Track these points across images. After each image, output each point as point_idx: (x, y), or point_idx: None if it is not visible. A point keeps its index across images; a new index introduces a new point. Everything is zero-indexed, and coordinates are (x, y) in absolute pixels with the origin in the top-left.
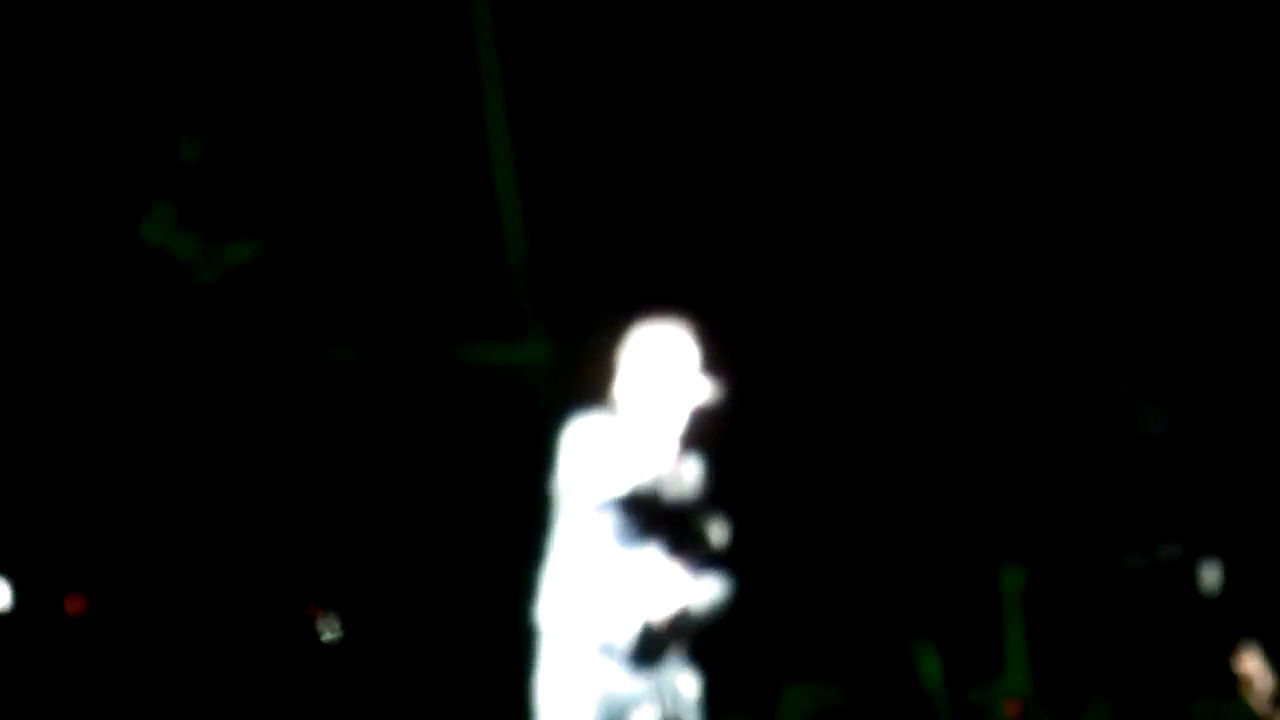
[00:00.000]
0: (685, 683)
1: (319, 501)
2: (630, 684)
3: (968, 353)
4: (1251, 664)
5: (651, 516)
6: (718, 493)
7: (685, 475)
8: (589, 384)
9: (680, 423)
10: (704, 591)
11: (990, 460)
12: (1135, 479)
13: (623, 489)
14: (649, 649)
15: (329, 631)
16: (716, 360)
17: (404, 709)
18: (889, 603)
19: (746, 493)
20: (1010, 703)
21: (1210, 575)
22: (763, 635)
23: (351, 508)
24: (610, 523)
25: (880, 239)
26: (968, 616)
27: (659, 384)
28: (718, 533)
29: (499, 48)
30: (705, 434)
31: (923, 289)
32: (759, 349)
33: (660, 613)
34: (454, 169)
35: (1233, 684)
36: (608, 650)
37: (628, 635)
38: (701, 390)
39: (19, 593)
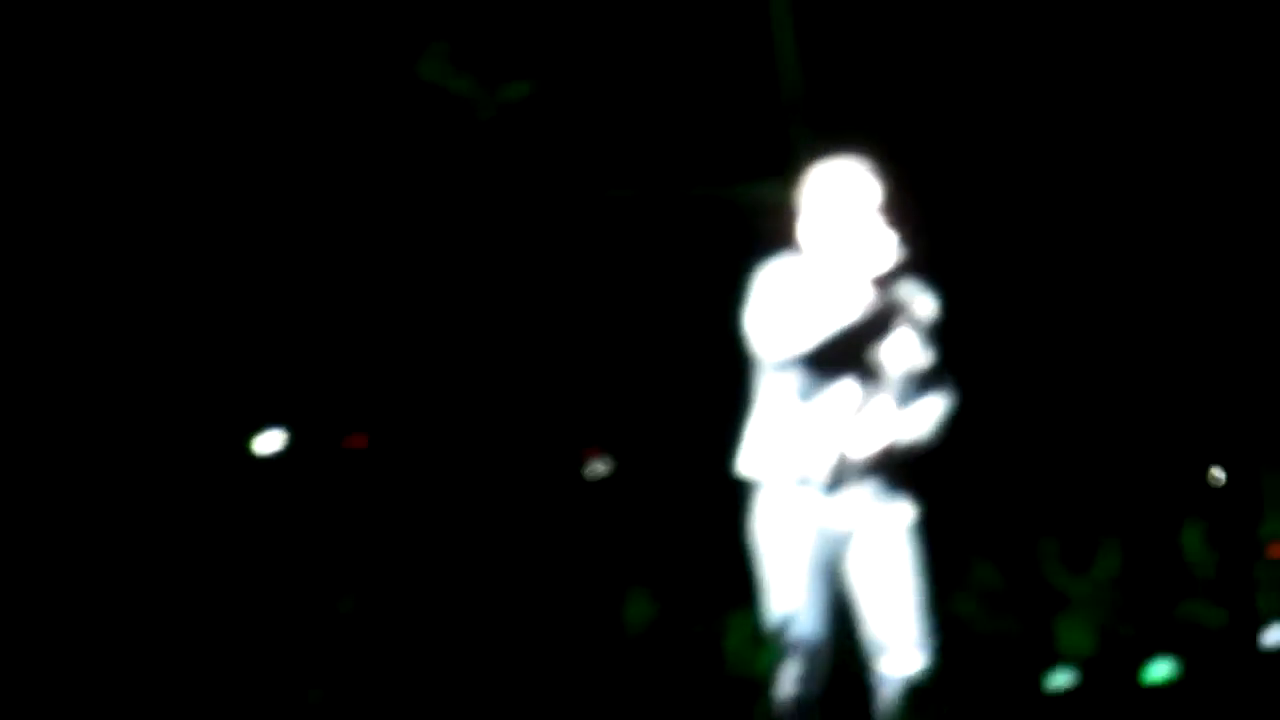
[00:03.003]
0: (902, 510)
1: (594, 342)
2: (843, 520)
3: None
4: None
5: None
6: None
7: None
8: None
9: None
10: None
11: None
12: None
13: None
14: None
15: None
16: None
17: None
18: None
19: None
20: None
21: None
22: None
23: (622, 347)
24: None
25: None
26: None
27: (851, 221)
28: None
29: None
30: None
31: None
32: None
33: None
34: (729, 8)
35: None
36: (820, 487)
37: (837, 469)
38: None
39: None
